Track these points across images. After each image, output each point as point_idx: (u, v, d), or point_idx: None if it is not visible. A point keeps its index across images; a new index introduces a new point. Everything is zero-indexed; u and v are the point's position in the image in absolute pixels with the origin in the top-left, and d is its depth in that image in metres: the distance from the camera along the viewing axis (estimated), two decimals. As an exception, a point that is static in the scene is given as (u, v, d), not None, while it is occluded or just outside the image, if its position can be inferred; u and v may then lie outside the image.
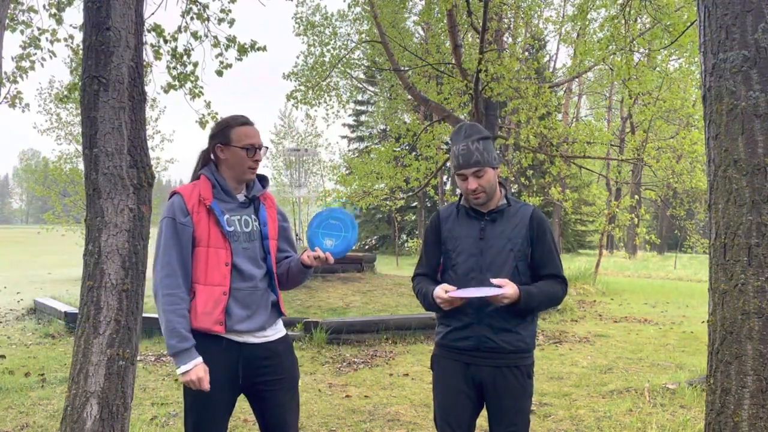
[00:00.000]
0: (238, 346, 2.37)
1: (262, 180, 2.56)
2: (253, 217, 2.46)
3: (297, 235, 24.63)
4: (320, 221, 2.48)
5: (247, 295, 2.38)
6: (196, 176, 2.48)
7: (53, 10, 6.33)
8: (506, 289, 2.28)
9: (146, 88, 3.11)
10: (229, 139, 2.40)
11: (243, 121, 2.43)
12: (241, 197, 2.47)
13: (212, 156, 2.48)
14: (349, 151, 37.88)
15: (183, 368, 2.25)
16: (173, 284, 2.30)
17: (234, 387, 2.39)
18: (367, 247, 36.98)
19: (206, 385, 2.25)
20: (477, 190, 2.42)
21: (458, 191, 2.56)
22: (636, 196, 19.58)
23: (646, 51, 11.08)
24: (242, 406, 4.08)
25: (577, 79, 28.03)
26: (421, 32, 21.76)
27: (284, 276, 2.54)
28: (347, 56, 14.51)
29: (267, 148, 2.48)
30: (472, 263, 2.42)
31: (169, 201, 2.39)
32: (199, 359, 2.27)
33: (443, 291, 2.35)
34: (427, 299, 2.46)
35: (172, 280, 2.30)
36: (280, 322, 2.53)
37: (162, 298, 2.29)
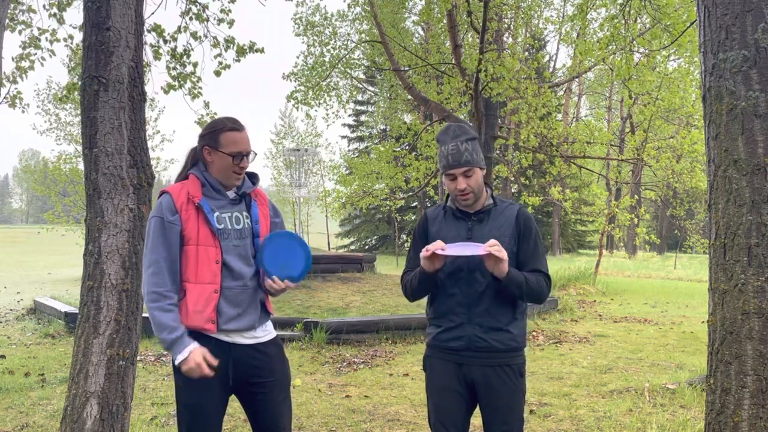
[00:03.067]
0: (228, 347, 2.36)
1: (252, 177, 2.54)
2: (244, 214, 2.44)
3: (297, 235, 24.64)
4: (271, 250, 2.43)
5: (237, 294, 2.36)
6: (184, 175, 2.46)
7: (54, 10, 6.34)
8: (494, 248, 2.25)
9: (146, 88, 3.11)
10: (217, 143, 2.37)
11: (232, 126, 2.38)
12: (231, 194, 2.45)
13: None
14: (349, 151, 37.91)
15: (180, 357, 2.23)
16: (159, 282, 2.29)
17: (225, 387, 2.38)
18: (367, 247, 36.99)
19: (206, 370, 2.23)
20: (466, 190, 2.42)
21: (446, 191, 2.55)
22: (636, 196, 19.60)
23: (646, 51, 11.08)
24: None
25: (577, 79, 28.07)
26: (421, 32, 21.78)
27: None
28: (347, 56, 14.51)
29: (255, 153, 2.44)
30: (459, 263, 2.42)
31: (158, 200, 2.39)
32: (194, 344, 2.25)
33: (431, 247, 2.32)
34: (415, 278, 2.45)
35: (158, 278, 2.28)
36: (269, 324, 2.52)
37: (148, 296, 2.29)
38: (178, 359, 2.23)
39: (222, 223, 2.38)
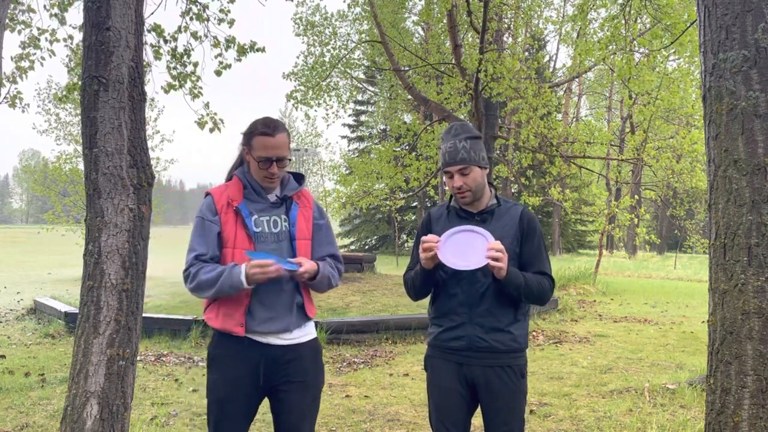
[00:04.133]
0: (261, 347, 2.36)
1: (298, 178, 2.53)
2: (283, 217, 2.43)
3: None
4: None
5: (272, 297, 2.35)
6: (229, 176, 2.49)
7: (54, 10, 6.34)
8: (495, 256, 2.25)
9: (146, 88, 3.11)
10: (250, 146, 2.38)
11: (263, 131, 2.34)
12: (272, 197, 2.44)
13: None
14: (349, 151, 37.89)
15: (245, 284, 2.24)
16: (198, 263, 2.33)
17: (256, 386, 2.37)
18: (367, 247, 36.97)
19: (269, 270, 2.21)
20: (462, 188, 2.41)
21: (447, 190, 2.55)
22: (636, 196, 19.59)
23: (646, 51, 11.07)
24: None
25: (577, 79, 28.07)
26: (421, 32, 21.77)
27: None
28: (347, 56, 14.51)
29: (290, 160, 2.40)
30: None
31: (202, 201, 2.44)
32: (240, 267, 2.25)
33: (431, 240, 2.32)
34: (417, 277, 2.45)
35: (196, 268, 2.32)
36: (309, 325, 2.48)
37: (189, 279, 2.32)
38: (246, 285, 2.24)
39: (260, 226, 2.38)
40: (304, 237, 2.45)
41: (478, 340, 2.39)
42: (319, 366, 2.50)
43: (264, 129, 2.35)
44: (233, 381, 2.33)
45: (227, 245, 2.35)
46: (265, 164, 2.34)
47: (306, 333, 2.46)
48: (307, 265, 2.32)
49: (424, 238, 2.35)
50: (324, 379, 2.54)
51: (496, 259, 2.26)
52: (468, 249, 2.30)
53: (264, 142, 2.33)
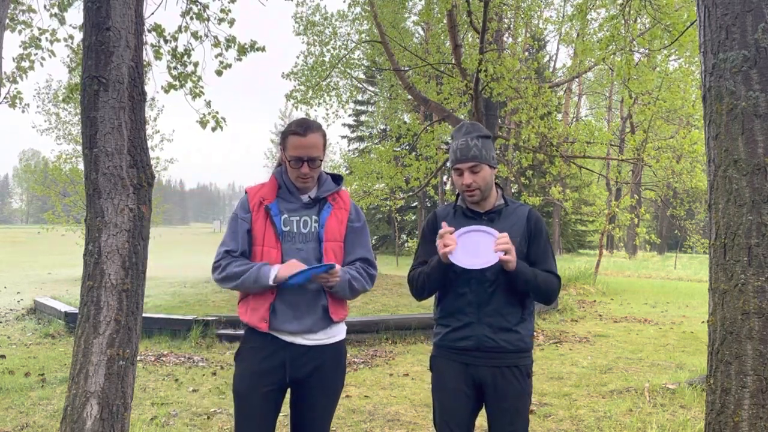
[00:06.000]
0: (285, 345, 2.38)
1: (336, 179, 2.54)
2: (314, 218, 2.44)
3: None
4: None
5: (295, 296, 2.37)
6: (271, 176, 2.54)
7: (54, 10, 6.34)
8: (504, 248, 2.27)
9: (146, 88, 3.11)
10: (284, 146, 2.41)
11: (294, 131, 2.37)
12: (305, 198, 2.45)
13: None
14: (349, 151, 37.89)
15: (270, 279, 2.29)
16: (228, 257, 2.39)
17: (280, 383, 2.40)
18: (367, 247, 36.88)
19: (295, 265, 2.28)
20: (472, 186, 2.41)
21: (456, 191, 2.55)
22: (636, 196, 19.58)
23: (646, 51, 11.07)
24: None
25: (577, 79, 28.05)
26: (421, 32, 21.76)
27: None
28: (347, 56, 14.50)
29: (321, 160, 2.40)
30: None
31: (239, 199, 2.52)
32: (275, 268, 2.31)
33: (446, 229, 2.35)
34: (433, 270, 2.44)
35: (224, 261, 2.39)
36: (336, 328, 2.48)
37: (217, 271, 2.38)
38: (271, 283, 2.30)
39: (288, 225, 2.41)
40: (334, 239, 2.45)
41: (486, 339, 2.38)
42: (340, 370, 2.51)
43: (296, 129, 2.38)
44: (257, 375, 2.36)
45: (256, 243, 2.40)
46: (296, 164, 2.36)
47: (331, 335, 2.46)
48: (337, 268, 2.35)
49: (441, 231, 2.34)
50: (344, 381, 2.55)
51: (505, 252, 2.27)
52: (478, 248, 2.31)
53: (295, 142, 2.36)
